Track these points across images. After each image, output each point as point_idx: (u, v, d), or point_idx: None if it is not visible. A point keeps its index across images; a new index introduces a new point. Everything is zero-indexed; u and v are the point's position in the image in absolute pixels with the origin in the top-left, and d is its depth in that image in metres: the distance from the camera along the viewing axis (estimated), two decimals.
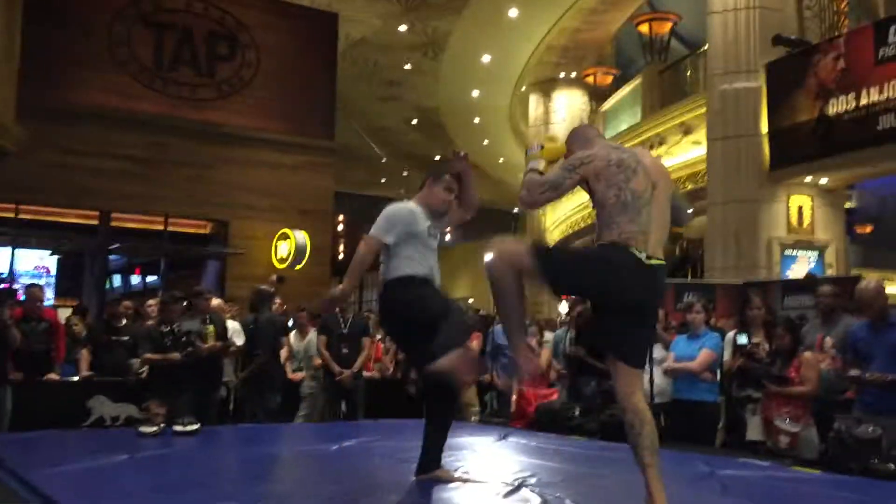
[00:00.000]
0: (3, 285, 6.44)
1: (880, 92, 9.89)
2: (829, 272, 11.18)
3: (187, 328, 6.58)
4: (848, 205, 15.87)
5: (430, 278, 3.96)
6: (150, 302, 8.26)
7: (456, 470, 4.18)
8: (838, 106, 10.42)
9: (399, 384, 8.44)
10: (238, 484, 3.91)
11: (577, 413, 6.33)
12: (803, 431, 5.13)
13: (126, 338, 7.00)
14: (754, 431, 5.44)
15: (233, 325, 7.55)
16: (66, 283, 18.15)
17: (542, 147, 3.40)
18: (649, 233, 3.10)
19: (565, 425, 6.21)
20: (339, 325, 7.24)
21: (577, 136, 3.45)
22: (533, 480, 3.91)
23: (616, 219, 3.08)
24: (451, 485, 3.81)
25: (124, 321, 7.10)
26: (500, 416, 7.69)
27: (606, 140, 3.50)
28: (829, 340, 5.69)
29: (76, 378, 7.00)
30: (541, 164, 3.31)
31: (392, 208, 4.05)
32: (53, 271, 17.45)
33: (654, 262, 3.07)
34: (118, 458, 4.34)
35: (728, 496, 3.68)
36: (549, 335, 8.07)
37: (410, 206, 4.08)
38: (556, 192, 3.19)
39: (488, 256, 3.19)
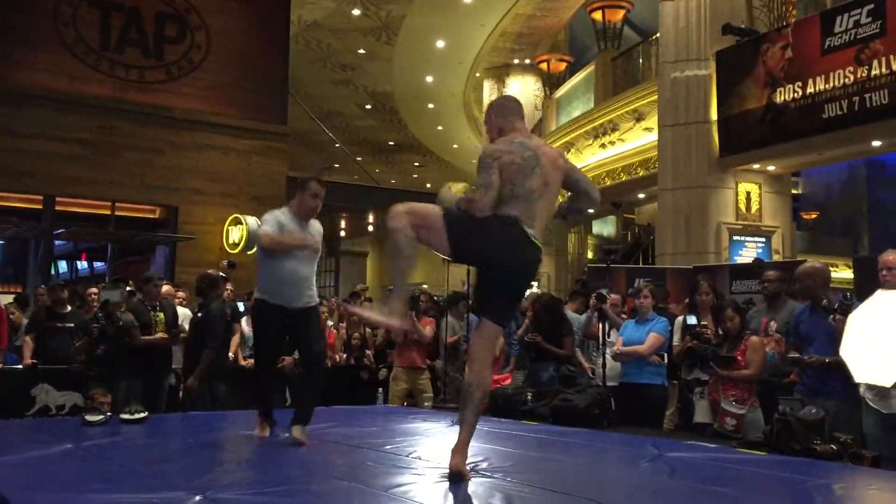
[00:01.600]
0: None
1: (826, 81, 10.08)
2: (776, 258, 11.40)
3: (105, 297, 6.42)
4: (794, 192, 16.24)
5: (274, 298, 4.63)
6: (93, 290, 8.09)
7: (409, 454, 4.19)
8: (786, 94, 10.61)
9: (351, 371, 8.42)
10: (186, 472, 3.85)
11: (529, 398, 6.37)
12: (749, 414, 5.24)
13: (71, 324, 6.85)
14: (702, 414, 5.54)
15: (183, 312, 7.44)
16: (10, 269, 17.75)
17: (450, 187, 3.71)
18: (534, 220, 3.51)
19: (518, 410, 6.24)
20: None
21: (500, 108, 3.82)
22: (485, 465, 3.92)
23: (506, 207, 3.49)
24: (405, 470, 3.81)
25: (68, 308, 6.93)
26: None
27: (521, 124, 3.76)
28: (773, 324, 5.80)
29: (19, 366, 6.83)
30: (458, 187, 3.68)
31: (268, 214, 4.74)
32: None
33: (536, 241, 3.51)
34: (63, 447, 4.24)
35: (676, 478, 3.73)
36: None
37: (275, 211, 4.74)
38: (490, 188, 3.46)
39: (396, 210, 3.45)
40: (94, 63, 13.65)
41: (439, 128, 25.41)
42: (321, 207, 4.79)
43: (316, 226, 4.80)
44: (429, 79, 21.87)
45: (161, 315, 6.68)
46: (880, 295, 4.73)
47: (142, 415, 5.35)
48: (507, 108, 3.82)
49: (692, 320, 5.92)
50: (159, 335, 6.55)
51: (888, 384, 4.46)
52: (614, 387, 6.32)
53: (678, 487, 3.48)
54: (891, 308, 4.58)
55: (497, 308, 3.62)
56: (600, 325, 6.64)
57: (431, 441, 4.88)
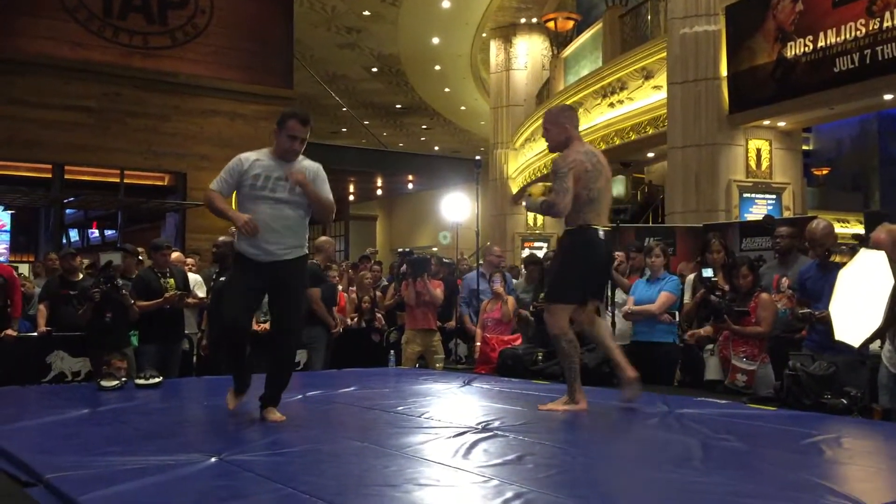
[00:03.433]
0: None
1: (837, 34, 9.94)
2: (787, 214, 11.35)
3: (105, 259, 6.41)
4: (805, 148, 16.09)
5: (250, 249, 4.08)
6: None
7: (421, 415, 4.23)
8: (796, 49, 10.47)
9: (362, 334, 8.46)
10: (202, 434, 3.90)
11: (539, 357, 6.40)
12: (759, 369, 5.25)
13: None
14: (712, 371, 5.55)
15: (194, 278, 7.47)
16: (22, 238, 17.83)
17: (531, 194, 4.62)
18: (602, 215, 4.52)
19: (528, 370, 6.28)
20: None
21: (571, 118, 4.64)
22: (496, 423, 3.95)
23: (583, 211, 4.41)
24: (417, 430, 3.84)
25: (81, 275, 6.95)
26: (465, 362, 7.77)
27: (578, 132, 4.64)
28: (785, 281, 5.79)
29: (34, 334, 6.89)
30: (537, 191, 4.59)
31: (234, 159, 4.21)
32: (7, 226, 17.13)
33: (603, 231, 4.52)
34: (79, 412, 4.31)
35: (686, 433, 3.76)
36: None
37: (245, 153, 4.20)
38: (568, 192, 4.36)
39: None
40: (97, 30, 13.58)
41: (446, 89, 25.21)
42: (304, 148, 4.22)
43: (300, 166, 4.17)
44: (435, 40, 21.64)
45: (171, 281, 6.70)
46: (865, 254, 4.73)
47: (156, 379, 5.41)
48: (574, 118, 4.64)
49: (708, 272, 5.90)
50: (160, 300, 6.53)
51: (856, 345, 4.54)
52: (625, 346, 6.33)
53: (688, 442, 3.51)
54: (874, 270, 4.60)
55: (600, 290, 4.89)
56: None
57: (443, 401, 4.92)
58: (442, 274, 8.65)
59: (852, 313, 4.62)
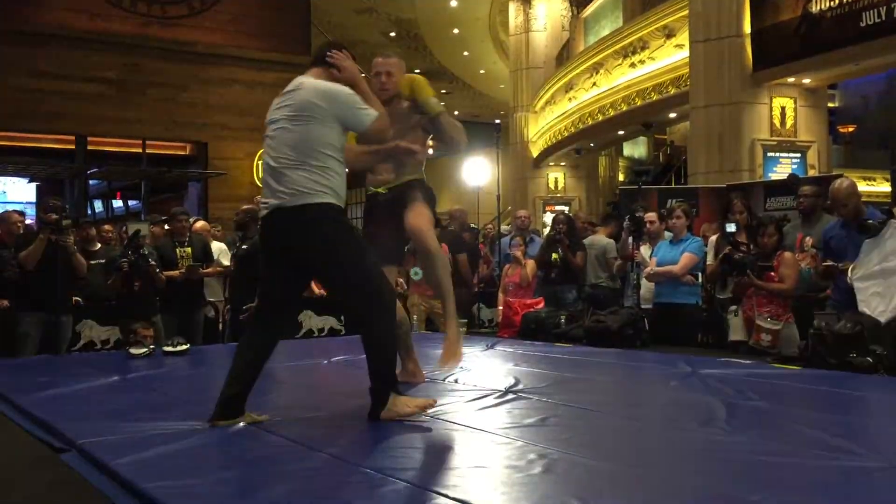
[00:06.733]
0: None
1: None
2: (812, 173, 11.20)
3: (133, 229, 6.48)
4: (831, 105, 15.82)
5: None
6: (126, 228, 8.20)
7: (445, 379, 4.26)
8: (821, 3, 10.25)
9: None
10: None
11: (562, 320, 6.42)
12: (784, 329, 5.23)
13: (103, 261, 6.91)
14: (736, 332, 5.53)
15: (218, 246, 7.51)
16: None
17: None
18: None
19: (551, 333, 6.30)
20: None
21: None
22: (520, 386, 3.98)
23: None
24: (443, 392, 3.87)
25: (98, 245, 7.02)
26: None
27: None
28: (809, 240, 5.74)
29: None
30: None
31: None
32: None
33: None
34: (110, 379, 4.38)
35: (709, 393, 3.76)
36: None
37: None
38: None
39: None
40: (115, 0, 13.57)
41: (465, 53, 24.99)
42: None
43: None
44: (453, 3, 21.40)
45: (189, 250, 6.73)
46: (894, 225, 4.68)
47: (184, 347, 5.48)
48: None
49: (731, 227, 5.86)
50: (176, 272, 6.61)
51: (882, 321, 4.48)
52: (648, 308, 6.33)
53: (711, 402, 3.51)
54: None
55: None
56: (631, 242, 6.63)
57: (467, 365, 4.94)
58: (444, 239, 8.65)
59: (878, 286, 4.57)
